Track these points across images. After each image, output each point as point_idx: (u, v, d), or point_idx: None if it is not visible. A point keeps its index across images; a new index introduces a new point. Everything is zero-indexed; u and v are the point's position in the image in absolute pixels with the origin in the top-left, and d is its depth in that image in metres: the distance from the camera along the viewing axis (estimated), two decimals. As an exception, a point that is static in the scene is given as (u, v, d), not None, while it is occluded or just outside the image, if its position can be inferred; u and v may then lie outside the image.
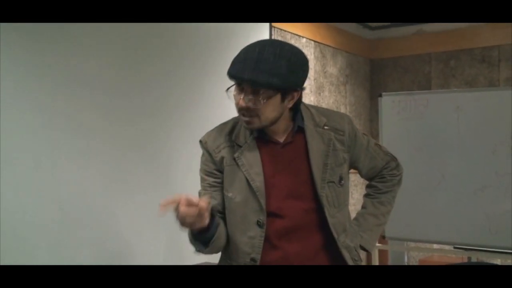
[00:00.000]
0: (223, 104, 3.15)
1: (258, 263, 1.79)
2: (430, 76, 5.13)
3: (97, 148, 2.68)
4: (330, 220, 1.82)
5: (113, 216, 2.75)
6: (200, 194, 1.89)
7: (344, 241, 1.86)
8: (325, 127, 1.87)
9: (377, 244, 3.54)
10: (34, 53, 2.45)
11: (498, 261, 4.12)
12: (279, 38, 4.18)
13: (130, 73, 2.84)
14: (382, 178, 2.04)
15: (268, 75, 1.66)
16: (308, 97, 4.52)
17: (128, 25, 2.75)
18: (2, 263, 2.27)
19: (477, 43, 4.83)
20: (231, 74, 1.71)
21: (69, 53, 2.57)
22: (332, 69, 4.88)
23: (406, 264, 5.13)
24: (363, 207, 2.05)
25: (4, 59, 2.33)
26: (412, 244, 4.60)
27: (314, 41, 4.62)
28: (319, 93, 4.68)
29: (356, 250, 1.90)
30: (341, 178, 1.86)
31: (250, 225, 1.80)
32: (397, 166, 2.06)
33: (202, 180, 1.90)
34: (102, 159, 2.70)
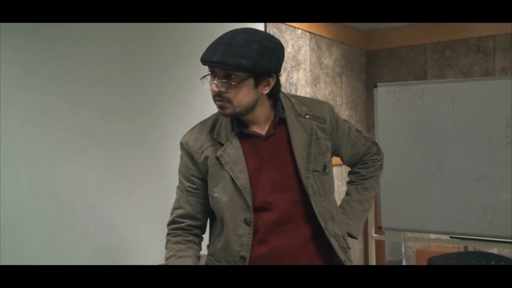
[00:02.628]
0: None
1: (247, 261, 1.78)
2: (426, 67, 5.13)
3: (92, 144, 2.68)
4: (317, 210, 1.81)
5: (109, 211, 2.76)
6: (177, 193, 1.93)
7: (332, 229, 1.86)
8: (306, 116, 1.85)
9: (374, 235, 3.55)
10: (30, 51, 2.45)
11: (494, 250, 4.14)
12: (274, 29, 4.17)
13: (124, 70, 2.84)
14: (365, 164, 2.05)
15: (238, 57, 1.64)
16: (304, 88, 4.52)
17: (121, 23, 2.75)
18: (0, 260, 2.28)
19: (472, 33, 4.82)
20: (202, 59, 1.70)
21: (64, 52, 2.58)
22: (328, 60, 4.87)
23: (403, 253, 5.15)
24: (348, 194, 2.06)
25: (1, 57, 2.33)
26: (409, 234, 4.61)
27: (310, 32, 4.61)
28: (315, 85, 4.67)
29: (344, 238, 1.91)
30: (325, 167, 1.85)
31: (238, 224, 1.78)
32: (378, 151, 2.08)
33: (179, 181, 1.91)
34: (98, 156, 2.71)
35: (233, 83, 1.68)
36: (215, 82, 1.71)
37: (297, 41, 4.44)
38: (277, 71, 1.76)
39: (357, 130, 2.03)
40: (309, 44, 4.61)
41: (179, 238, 1.87)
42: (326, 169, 1.86)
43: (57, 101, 2.54)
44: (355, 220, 2.00)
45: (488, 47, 4.80)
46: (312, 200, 1.81)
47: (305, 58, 4.55)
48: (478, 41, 4.85)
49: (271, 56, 1.71)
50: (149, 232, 2.93)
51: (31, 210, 2.44)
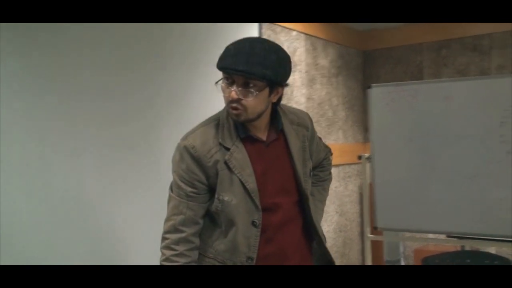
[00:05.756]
0: (211, 102, 3.17)
1: (254, 261, 1.88)
2: (422, 66, 5.13)
3: (88, 148, 2.69)
4: (312, 208, 2.01)
5: (105, 214, 2.77)
6: (170, 199, 1.95)
7: (318, 225, 2.07)
8: (297, 124, 2.01)
9: (369, 235, 3.55)
10: (23, 56, 2.45)
11: (493, 248, 4.13)
12: (269, 31, 4.17)
13: (119, 74, 2.85)
14: (323, 167, 2.25)
15: (261, 67, 1.73)
16: (300, 90, 4.52)
17: (116, 26, 2.76)
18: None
19: (468, 31, 4.82)
20: (224, 66, 1.76)
21: (59, 55, 2.58)
22: (324, 61, 4.88)
23: (401, 253, 5.15)
24: (311, 194, 2.16)
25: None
26: (407, 234, 4.61)
27: (305, 33, 4.61)
28: (311, 86, 4.68)
29: (322, 233, 2.10)
30: (310, 171, 2.02)
31: (246, 226, 1.87)
32: (331, 155, 2.29)
33: (178, 187, 1.91)
34: (94, 160, 2.71)
35: (255, 92, 1.76)
36: (233, 89, 1.77)
37: (292, 42, 4.44)
38: (287, 80, 1.88)
39: (319, 137, 2.21)
40: (304, 45, 4.61)
41: (181, 262, 1.87)
42: (311, 173, 2.03)
43: (51, 104, 2.55)
44: (319, 218, 2.15)
45: (484, 46, 4.80)
46: (309, 201, 1.99)
47: (300, 60, 4.55)
48: (474, 39, 4.85)
49: (287, 66, 1.85)
50: (146, 235, 2.93)
51: (27, 215, 2.44)
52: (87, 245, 2.67)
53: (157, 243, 2.94)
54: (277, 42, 4.18)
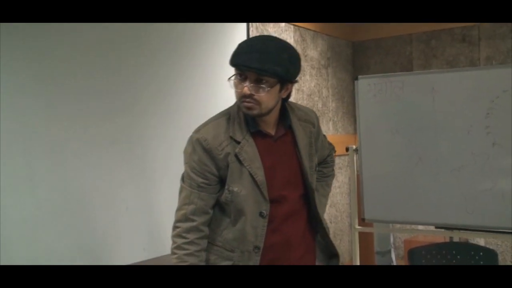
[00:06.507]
0: (195, 100, 3.16)
1: (261, 250, 1.96)
2: (412, 57, 5.12)
3: (74, 144, 2.68)
4: (317, 202, 2.09)
5: (90, 211, 2.76)
6: (181, 189, 1.99)
7: (324, 219, 2.15)
8: (304, 120, 2.09)
9: (357, 227, 3.56)
10: (10, 55, 2.44)
11: (482, 240, 4.15)
12: (257, 23, 4.15)
13: (105, 71, 2.84)
14: (326, 163, 2.33)
15: (274, 64, 1.81)
16: (289, 81, 4.51)
17: (102, 25, 2.75)
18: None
19: (457, 22, 4.82)
20: (238, 63, 1.84)
21: (43, 53, 2.56)
22: (313, 53, 4.87)
23: (392, 244, 5.16)
24: (315, 189, 2.22)
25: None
26: (397, 225, 4.62)
27: (294, 25, 4.60)
28: (300, 77, 4.66)
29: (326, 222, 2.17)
30: (316, 166, 2.11)
31: (254, 216, 1.95)
32: (334, 152, 2.39)
33: (189, 178, 1.97)
34: (79, 156, 2.70)
35: (267, 88, 1.84)
36: (246, 85, 1.85)
37: (281, 34, 4.43)
38: (297, 77, 1.95)
39: (324, 135, 2.27)
40: (293, 37, 4.60)
41: (192, 250, 1.94)
42: (316, 168, 2.11)
43: (36, 101, 2.54)
44: (321, 212, 2.20)
45: (473, 37, 4.80)
46: (315, 195, 2.08)
47: (289, 51, 4.54)
48: (463, 30, 4.85)
49: (297, 64, 1.92)
50: (132, 230, 2.93)
51: (11, 210, 2.43)
52: (72, 241, 2.67)
53: (144, 238, 2.96)
54: (265, 33, 4.19)
